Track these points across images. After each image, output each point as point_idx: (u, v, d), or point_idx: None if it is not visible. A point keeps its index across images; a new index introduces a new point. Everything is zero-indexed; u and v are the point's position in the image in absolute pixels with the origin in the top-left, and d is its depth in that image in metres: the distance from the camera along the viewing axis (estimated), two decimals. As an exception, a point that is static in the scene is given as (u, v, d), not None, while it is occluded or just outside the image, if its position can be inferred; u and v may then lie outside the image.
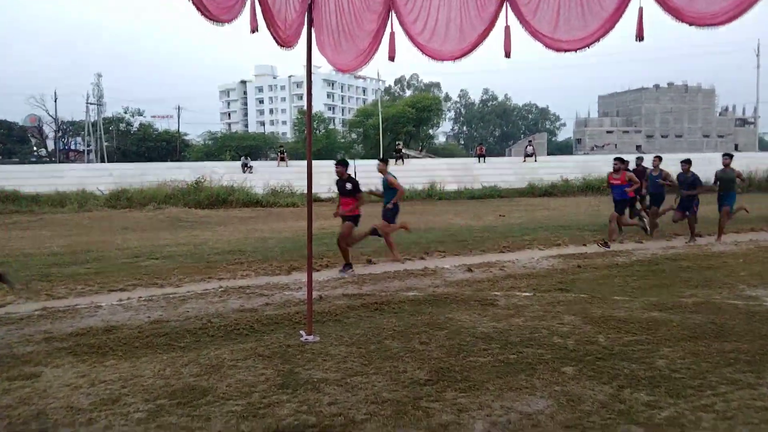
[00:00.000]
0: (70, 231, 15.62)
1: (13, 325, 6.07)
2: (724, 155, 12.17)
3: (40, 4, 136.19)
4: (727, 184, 11.77)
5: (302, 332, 5.39)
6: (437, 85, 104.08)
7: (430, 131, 69.85)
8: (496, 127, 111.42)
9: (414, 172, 30.29)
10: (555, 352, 4.82)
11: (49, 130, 72.01)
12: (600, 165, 33.75)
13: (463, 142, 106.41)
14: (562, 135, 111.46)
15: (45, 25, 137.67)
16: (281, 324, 5.90)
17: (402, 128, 58.87)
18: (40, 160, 68.49)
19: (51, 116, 68.39)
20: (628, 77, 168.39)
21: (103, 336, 5.59)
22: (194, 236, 13.80)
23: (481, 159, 32.78)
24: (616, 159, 11.89)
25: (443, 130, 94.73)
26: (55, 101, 71.15)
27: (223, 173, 27.41)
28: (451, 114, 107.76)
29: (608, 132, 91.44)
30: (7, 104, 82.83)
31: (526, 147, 34.13)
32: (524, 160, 32.80)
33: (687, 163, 11.84)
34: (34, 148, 74.60)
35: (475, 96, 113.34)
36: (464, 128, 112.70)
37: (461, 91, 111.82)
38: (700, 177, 11.83)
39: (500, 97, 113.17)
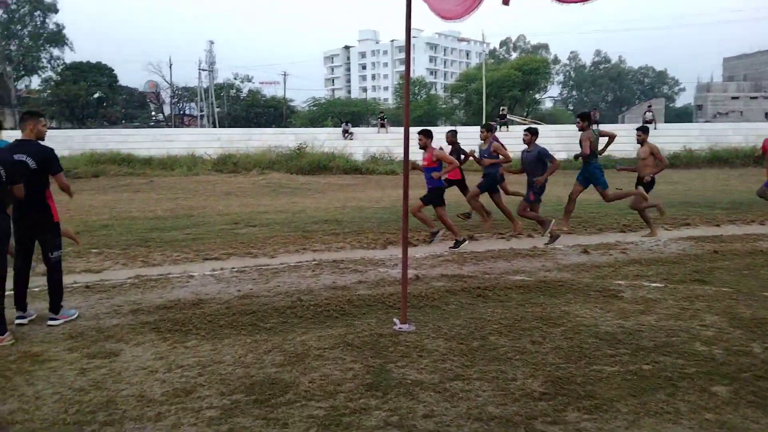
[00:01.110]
0: (176, 194, 16.04)
1: (104, 293, 5.98)
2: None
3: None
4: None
5: (396, 320, 4.83)
6: (545, 47, 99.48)
7: (537, 96, 66.86)
8: (609, 91, 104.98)
9: (519, 139, 28.84)
10: (700, 365, 3.94)
11: (165, 96, 75.92)
12: (729, 134, 30.70)
13: (571, 108, 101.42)
14: (681, 101, 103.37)
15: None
16: (374, 307, 5.38)
17: (507, 93, 56.55)
18: (157, 124, 72.55)
19: (167, 82, 71.92)
20: (757, 37, 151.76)
21: (190, 310, 5.33)
22: (293, 203, 13.66)
23: (595, 125, 30.72)
24: (420, 133, 8.53)
25: (550, 95, 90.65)
26: (170, 68, 74.75)
27: (325, 139, 27.46)
28: (560, 77, 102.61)
29: (733, 98, 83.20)
30: (128, 71, 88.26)
31: (645, 113, 31.55)
32: (641, 128, 30.36)
33: (531, 133, 8.98)
34: (153, 113, 79.03)
35: (587, 58, 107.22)
36: (573, 93, 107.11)
37: (571, 53, 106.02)
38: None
39: (614, 60, 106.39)
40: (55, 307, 5.22)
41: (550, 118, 62.26)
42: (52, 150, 5.23)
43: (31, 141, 5.20)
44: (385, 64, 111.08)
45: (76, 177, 20.87)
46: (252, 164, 23.71)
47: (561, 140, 28.80)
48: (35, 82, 63.52)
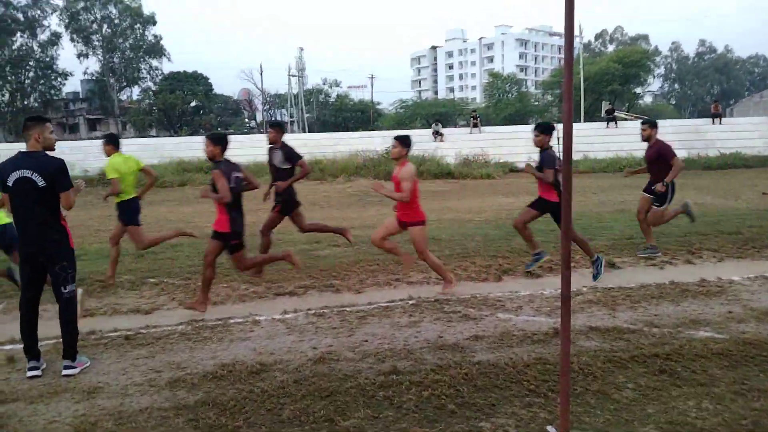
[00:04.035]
0: (259, 205, 14.92)
1: (146, 348, 4.62)
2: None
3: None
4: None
5: (552, 429, 3.08)
6: (645, 38, 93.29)
7: (637, 90, 62.34)
8: (714, 83, 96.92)
9: (630, 136, 25.96)
10: None
11: (258, 103, 77.20)
12: None
13: (674, 102, 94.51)
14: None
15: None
16: (505, 390, 3.65)
17: (606, 87, 52.92)
18: (250, 131, 73.89)
19: (258, 89, 73.04)
20: None
21: (246, 385, 3.84)
22: (382, 216, 12.07)
23: (716, 119, 27.24)
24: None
25: (650, 90, 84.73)
26: (261, 75, 75.96)
27: (414, 142, 25.91)
28: (660, 70, 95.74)
29: None
30: (222, 78, 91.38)
31: (776, 104, 27.69)
32: (774, 120, 26.64)
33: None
34: (246, 120, 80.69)
35: (689, 49, 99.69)
36: (675, 86, 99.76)
37: (672, 44, 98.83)
38: None
39: (720, 49, 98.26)
40: (71, 352, 4.23)
41: (651, 114, 57.74)
42: (62, 162, 4.15)
43: (38, 153, 4.12)
44: (473, 63, 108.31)
45: (163, 186, 20.48)
46: (339, 170, 22.51)
47: (679, 136, 25.74)
48: (135, 92, 66.31)
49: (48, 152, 4.15)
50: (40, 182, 4.00)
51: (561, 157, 5.55)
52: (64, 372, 4.16)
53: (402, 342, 4.59)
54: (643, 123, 7.80)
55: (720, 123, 26.83)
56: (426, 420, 3.28)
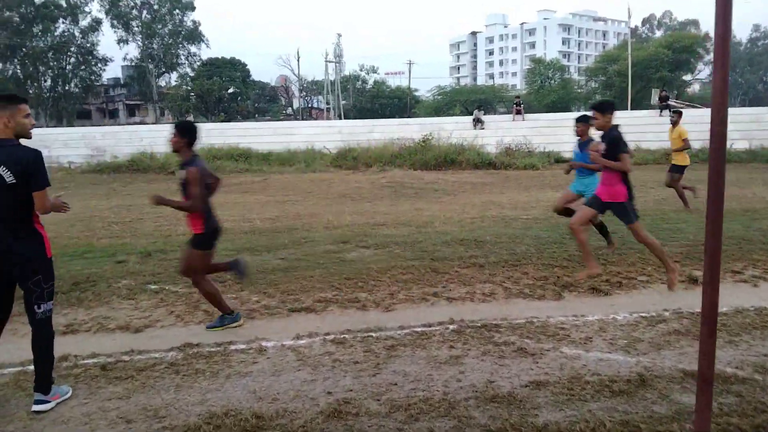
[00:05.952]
0: (287, 196, 14.10)
1: (123, 384, 3.72)
2: None
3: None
4: None
5: None
6: (695, 23, 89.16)
7: (686, 77, 59.55)
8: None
9: (685, 125, 24.33)
10: None
11: (295, 89, 76.60)
12: None
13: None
14: None
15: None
16: (585, 476, 2.63)
17: (654, 74, 50.48)
18: (287, 117, 73.41)
19: (295, 75, 72.42)
20: None
21: (236, 451, 2.91)
22: (417, 211, 11.08)
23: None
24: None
25: (699, 77, 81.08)
26: (298, 61, 75.20)
27: (452, 129, 24.68)
28: (711, 56, 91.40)
29: None
30: (259, 65, 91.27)
31: None
32: None
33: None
34: (283, 107, 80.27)
35: (742, 34, 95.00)
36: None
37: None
38: None
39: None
40: (44, 383, 3.43)
41: (699, 102, 55.13)
42: (38, 154, 3.30)
43: (6, 142, 3.28)
44: (514, 49, 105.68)
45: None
46: (372, 159, 21.53)
47: (738, 126, 23.92)
48: (173, 78, 66.50)
49: (22, 141, 3.33)
50: (9, 178, 3.21)
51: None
52: (34, 407, 3.39)
53: (441, 388, 3.59)
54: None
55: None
56: None
